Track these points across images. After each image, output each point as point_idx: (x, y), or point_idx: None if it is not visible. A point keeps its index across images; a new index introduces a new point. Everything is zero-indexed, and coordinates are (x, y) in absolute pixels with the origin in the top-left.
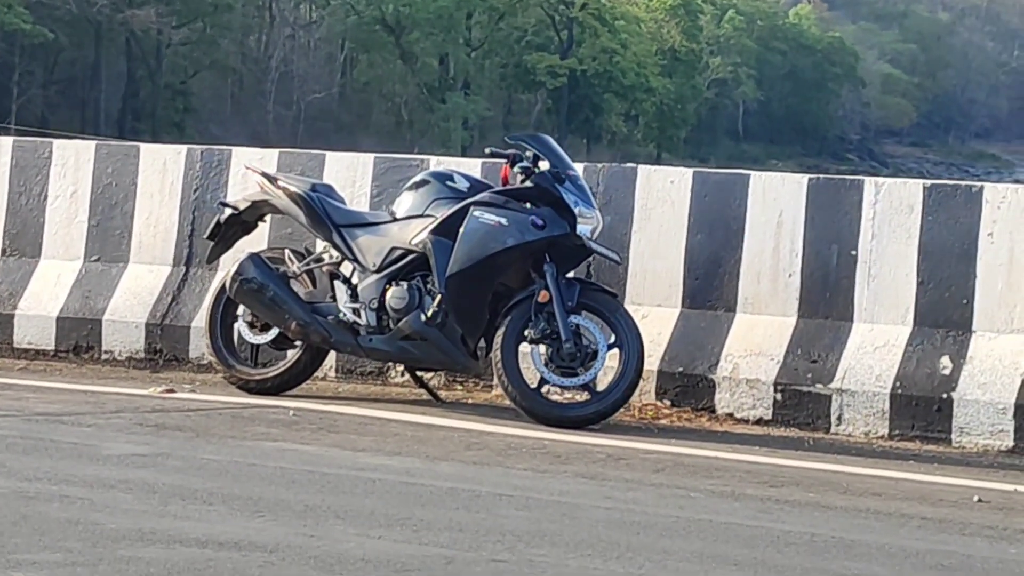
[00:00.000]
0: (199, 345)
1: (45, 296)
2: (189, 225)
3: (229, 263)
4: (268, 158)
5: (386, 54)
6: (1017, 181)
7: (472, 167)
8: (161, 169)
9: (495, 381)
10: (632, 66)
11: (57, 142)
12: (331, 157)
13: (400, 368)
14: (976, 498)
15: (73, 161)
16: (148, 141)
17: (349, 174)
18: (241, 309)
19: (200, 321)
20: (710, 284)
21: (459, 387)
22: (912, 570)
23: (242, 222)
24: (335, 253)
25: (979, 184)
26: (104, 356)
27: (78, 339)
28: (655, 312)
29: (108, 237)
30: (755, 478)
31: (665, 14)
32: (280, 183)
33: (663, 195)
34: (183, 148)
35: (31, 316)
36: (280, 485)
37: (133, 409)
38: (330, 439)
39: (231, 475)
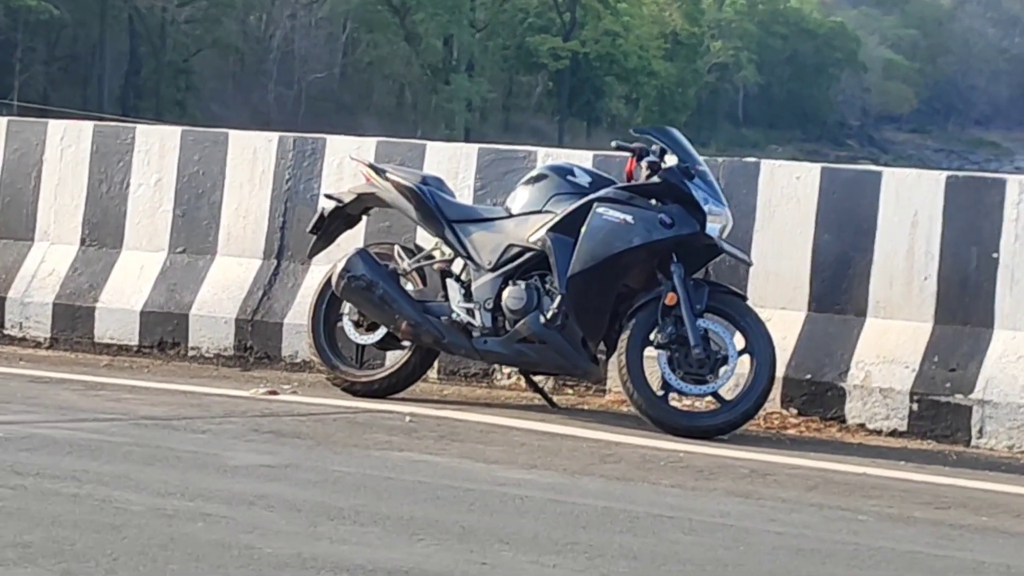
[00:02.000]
0: (292, 343)
1: (128, 289)
2: (281, 216)
3: (323, 259)
4: (365, 147)
5: (390, 35)
6: (1018, 169)
7: (584, 160)
8: (251, 158)
9: (609, 386)
10: (635, 49)
11: (140, 127)
12: (432, 147)
13: (507, 370)
14: None
15: (157, 148)
16: (151, 119)
17: (451, 165)
18: (347, 307)
19: (294, 318)
20: (838, 286)
21: (570, 391)
22: None
23: (346, 215)
24: (447, 250)
25: None
26: (191, 352)
27: (163, 334)
28: (779, 315)
29: (194, 228)
30: (916, 498)
31: None
32: (389, 175)
33: (788, 192)
34: (275, 136)
35: (113, 309)
36: (427, 502)
37: (241, 413)
38: (456, 449)
39: (371, 490)
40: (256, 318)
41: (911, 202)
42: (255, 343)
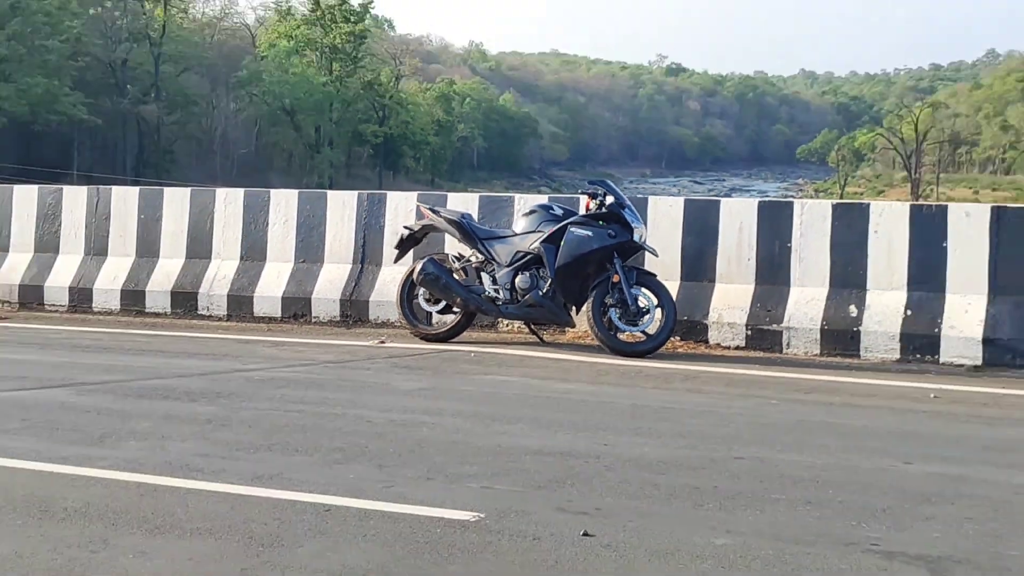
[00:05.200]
0: (376, 312)
1: (273, 284)
2: (362, 240)
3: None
4: (410, 198)
5: (284, 126)
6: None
7: (543, 200)
8: (341, 205)
9: (571, 329)
10: (418, 130)
11: (273, 191)
12: (452, 197)
13: (506, 321)
14: None
15: (284, 202)
16: None
17: (464, 207)
18: (420, 290)
19: (376, 297)
20: (698, 266)
21: (545, 334)
22: None
23: (414, 238)
24: (480, 256)
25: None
26: (314, 320)
27: (296, 310)
28: (665, 284)
29: (310, 248)
30: (854, 390)
31: (434, 100)
32: (441, 213)
33: (664, 213)
34: (356, 193)
35: (265, 296)
36: (546, 408)
37: (377, 356)
38: (518, 371)
39: (507, 399)
40: (352, 298)
41: (739, 216)
42: (352, 313)
